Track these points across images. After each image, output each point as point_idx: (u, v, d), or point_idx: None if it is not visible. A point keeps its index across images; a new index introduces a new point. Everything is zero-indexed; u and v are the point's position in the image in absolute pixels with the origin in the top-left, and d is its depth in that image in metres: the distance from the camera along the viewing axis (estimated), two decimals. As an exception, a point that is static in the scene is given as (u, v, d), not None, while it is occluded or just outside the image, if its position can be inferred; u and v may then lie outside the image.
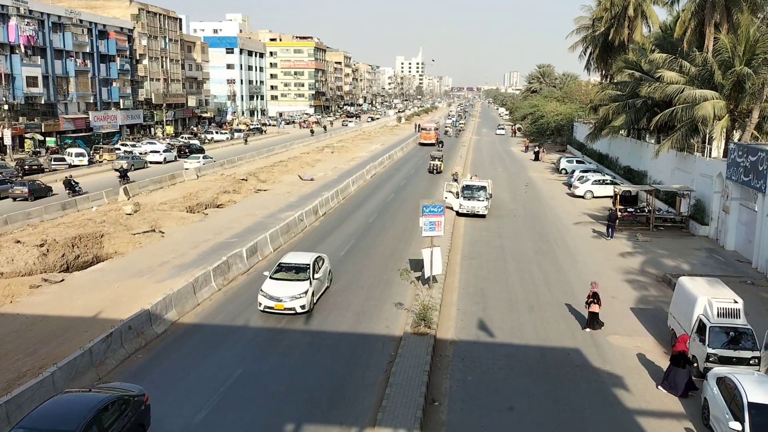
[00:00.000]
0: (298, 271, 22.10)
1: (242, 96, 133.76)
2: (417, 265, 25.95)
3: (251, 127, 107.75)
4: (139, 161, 58.84)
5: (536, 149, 72.41)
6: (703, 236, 33.09)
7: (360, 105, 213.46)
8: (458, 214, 37.86)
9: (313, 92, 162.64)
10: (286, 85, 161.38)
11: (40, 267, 27.51)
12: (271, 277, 21.98)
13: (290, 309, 20.80)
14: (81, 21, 73.72)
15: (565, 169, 57.60)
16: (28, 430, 11.92)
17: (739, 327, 17.01)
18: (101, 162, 60.82)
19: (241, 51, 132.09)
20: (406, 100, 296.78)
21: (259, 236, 29.36)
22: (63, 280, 25.33)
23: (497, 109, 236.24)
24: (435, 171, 55.53)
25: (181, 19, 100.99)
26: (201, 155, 63.46)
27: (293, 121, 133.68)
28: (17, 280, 25.01)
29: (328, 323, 20.77)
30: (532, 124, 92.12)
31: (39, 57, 66.44)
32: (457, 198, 38.43)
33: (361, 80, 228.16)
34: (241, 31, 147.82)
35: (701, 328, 17.20)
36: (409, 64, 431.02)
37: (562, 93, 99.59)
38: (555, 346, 19.25)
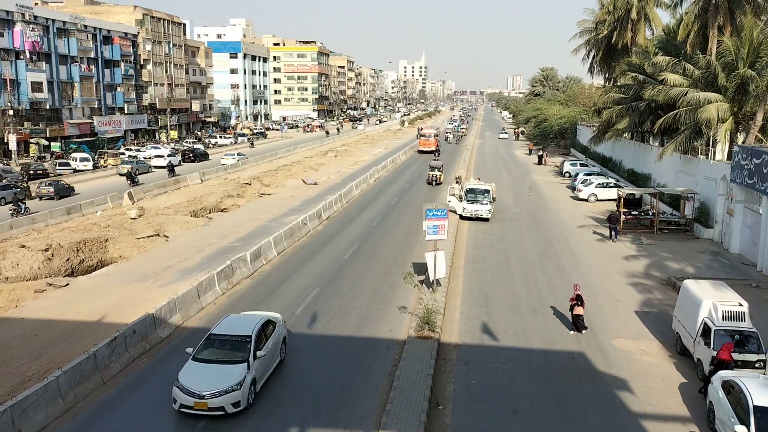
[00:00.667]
0: (235, 346, 16.04)
1: (246, 100, 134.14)
2: (421, 268, 25.93)
3: (254, 131, 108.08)
4: (143, 166, 59.01)
5: (540, 153, 72.30)
6: (707, 239, 33.00)
7: (363, 109, 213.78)
8: (462, 217, 37.84)
9: (317, 96, 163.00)
10: (289, 89, 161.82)
11: (44, 271, 27.58)
12: (193, 358, 15.92)
13: (216, 409, 14.67)
14: (85, 26, 74.03)
15: (568, 172, 57.55)
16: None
17: (744, 330, 16.94)
18: (106, 167, 60.98)
19: (244, 56, 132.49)
20: (409, 104, 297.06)
21: (263, 240, 29.40)
22: (68, 284, 25.39)
23: (500, 112, 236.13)
24: (434, 182, 51.50)
25: (185, 24, 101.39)
26: (236, 152, 70.17)
27: (297, 126, 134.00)
28: (22, 285, 25.06)
29: (331, 327, 20.76)
30: (535, 128, 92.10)
31: (44, 62, 66.80)
32: (461, 201, 38.43)
33: (364, 84, 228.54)
34: (244, 35, 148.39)
35: (706, 331, 17.13)
36: (412, 67, 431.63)
37: (565, 96, 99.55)
38: (559, 350, 19.20)
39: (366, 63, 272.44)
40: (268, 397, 16.04)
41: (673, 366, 18.14)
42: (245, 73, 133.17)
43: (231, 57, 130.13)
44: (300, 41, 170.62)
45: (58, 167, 56.28)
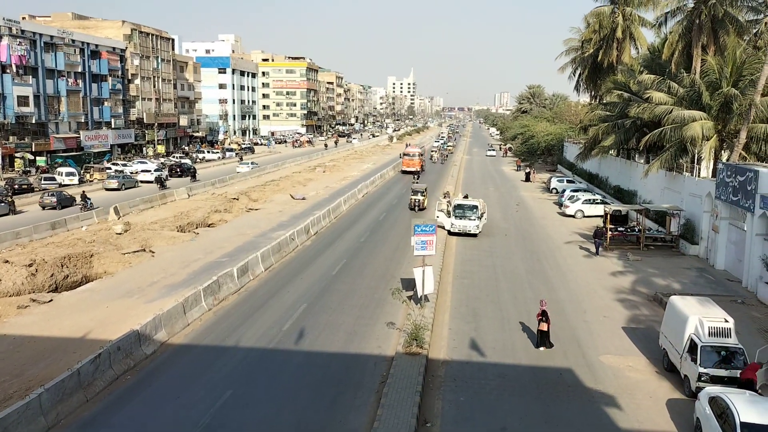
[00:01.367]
0: None
1: (234, 115, 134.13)
2: (409, 284, 25.90)
3: (243, 146, 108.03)
4: (129, 180, 58.68)
5: (527, 170, 72.69)
6: (693, 255, 33.25)
7: (352, 124, 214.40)
8: (450, 233, 37.90)
9: (305, 112, 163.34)
10: (278, 104, 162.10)
11: (28, 287, 27.23)
12: None
13: None
14: (73, 41, 73.91)
15: (555, 188, 57.96)
16: None
17: (730, 346, 17.02)
18: (92, 181, 60.60)
19: (233, 71, 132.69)
20: (397, 120, 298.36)
21: (250, 256, 29.25)
22: (51, 300, 25.07)
23: (488, 129, 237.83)
24: (417, 207, 46.22)
25: (173, 40, 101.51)
26: (249, 161, 78.18)
27: (285, 141, 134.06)
28: (5, 300, 24.75)
29: (319, 343, 20.63)
30: (522, 144, 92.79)
31: (30, 76, 66.48)
32: (449, 217, 38.51)
33: (353, 100, 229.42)
34: (233, 51, 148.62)
35: (693, 347, 17.20)
36: (401, 84, 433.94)
37: (552, 113, 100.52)
38: (547, 366, 19.18)
39: (355, 79, 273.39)
40: (250, 417, 15.88)
41: (660, 382, 18.17)
42: (234, 88, 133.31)
43: (220, 72, 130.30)
44: (289, 57, 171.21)
45: (43, 182, 55.83)
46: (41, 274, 28.52)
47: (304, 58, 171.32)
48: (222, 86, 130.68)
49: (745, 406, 13.86)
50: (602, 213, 39.08)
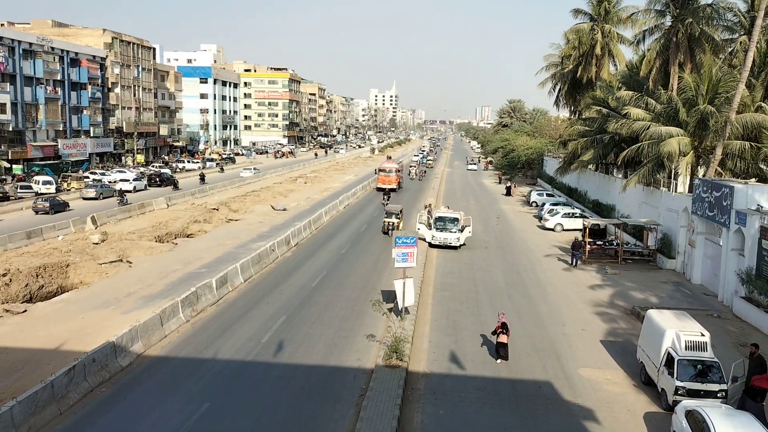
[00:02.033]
0: None
1: (215, 125, 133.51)
2: (389, 296, 25.86)
3: (223, 156, 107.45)
4: (108, 190, 58.05)
5: (508, 184, 72.65)
6: (670, 269, 33.64)
7: (334, 136, 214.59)
8: (431, 245, 37.96)
9: (287, 123, 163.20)
10: (260, 115, 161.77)
11: (1, 297, 26.71)
12: None
13: None
14: (53, 48, 73.15)
15: (535, 202, 58.41)
16: None
17: (706, 360, 17.21)
18: (69, 190, 59.81)
19: (215, 81, 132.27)
20: (380, 132, 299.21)
21: (229, 267, 29.02)
22: (26, 310, 24.62)
23: (469, 142, 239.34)
24: (390, 231, 39.71)
25: (155, 49, 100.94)
26: (252, 167, 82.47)
27: (266, 151, 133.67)
28: (-23, 311, 24.21)
29: (298, 355, 20.47)
30: (503, 158, 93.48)
31: (8, 83, 65.56)
32: (430, 229, 38.57)
33: (335, 112, 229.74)
34: (215, 61, 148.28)
35: (669, 361, 17.35)
36: (383, 96, 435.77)
37: (532, 128, 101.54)
38: (526, 379, 19.23)
39: (337, 91, 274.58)
40: (227, 430, 15.68)
41: (637, 395, 18.29)
42: (215, 98, 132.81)
43: (201, 82, 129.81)
44: (271, 68, 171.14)
45: (19, 190, 55.04)
46: (15, 284, 28.01)
47: (286, 69, 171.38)
48: (203, 96, 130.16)
49: (720, 420, 14.00)
50: (581, 227, 39.44)
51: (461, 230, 38.36)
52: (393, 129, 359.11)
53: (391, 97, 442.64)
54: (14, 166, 65.67)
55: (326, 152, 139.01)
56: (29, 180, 60.05)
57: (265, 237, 39.56)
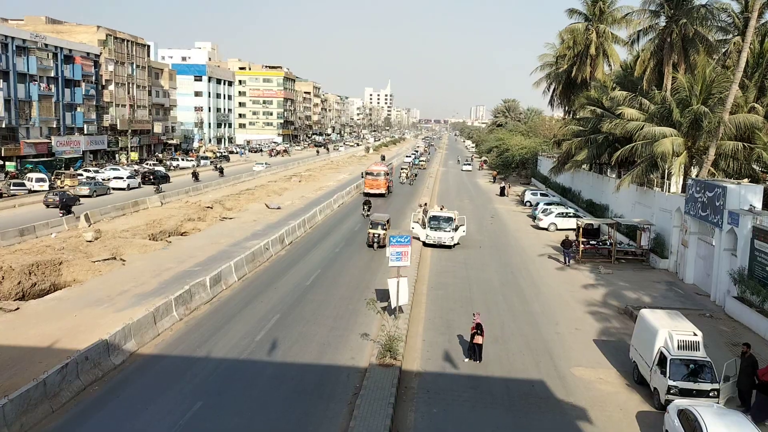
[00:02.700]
0: None
1: (210, 123, 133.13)
2: (383, 295, 25.85)
3: (218, 154, 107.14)
4: (101, 187, 57.81)
5: (502, 185, 72.18)
6: (663, 269, 33.75)
7: (329, 135, 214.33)
8: (425, 244, 37.97)
9: (282, 121, 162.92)
10: (254, 113, 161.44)
11: (-6, 295, 26.59)
12: None
13: None
14: (46, 45, 72.75)
15: (529, 201, 58.51)
16: None
17: (698, 359, 17.27)
18: (63, 188, 59.49)
19: (209, 79, 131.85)
20: (374, 131, 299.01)
21: (223, 265, 28.95)
22: (18, 308, 24.49)
23: (464, 141, 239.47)
24: (376, 244, 36.51)
25: (149, 46, 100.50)
26: (264, 162, 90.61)
27: (261, 150, 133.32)
28: (-31, 309, 24.07)
29: (291, 354, 20.45)
30: (497, 157, 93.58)
31: (1, 80, 65.19)
32: (424, 228, 38.58)
33: (330, 110, 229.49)
34: (210, 59, 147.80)
35: (662, 360, 17.41)
36: (378, 95, 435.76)
37: (526, 127, 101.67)
38: (519, 378, 19.26)
39: (332, 89, 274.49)
40: (220, 428, 15.64)
41: (630, 395, 18.35)
42: (210, 96, 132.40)
43: (196, 80, 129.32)
44: (266, 66, 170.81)
45: (12, 187, 54.72)
46: (8, 282, 27.88)
47: (281, 67, 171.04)
48: (198, 94, 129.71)
49: (713, 419, 14.05)
50: (575, 226, 39.54)
51: (455, 229, 38.41)
52: (388, 128, 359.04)
53: (386, 96, 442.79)
54: (7, 163, 65.31)
55: (319, 151, 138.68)
56: (22, 177, 59.70)
57: (260, 235, 39.49)
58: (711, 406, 15.04)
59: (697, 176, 33.54)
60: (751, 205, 26.64)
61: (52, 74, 73.84)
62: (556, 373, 19.69)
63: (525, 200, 59.94)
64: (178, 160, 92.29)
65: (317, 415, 16.36)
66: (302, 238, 40.11)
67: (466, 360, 20.27)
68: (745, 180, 31.40)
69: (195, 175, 70.46)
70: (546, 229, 45.59)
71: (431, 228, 38.28)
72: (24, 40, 68.86)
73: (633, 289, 29.63)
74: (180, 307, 23.49)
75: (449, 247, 37.92)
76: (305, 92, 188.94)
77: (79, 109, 79.49)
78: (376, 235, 36.86)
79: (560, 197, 58.28)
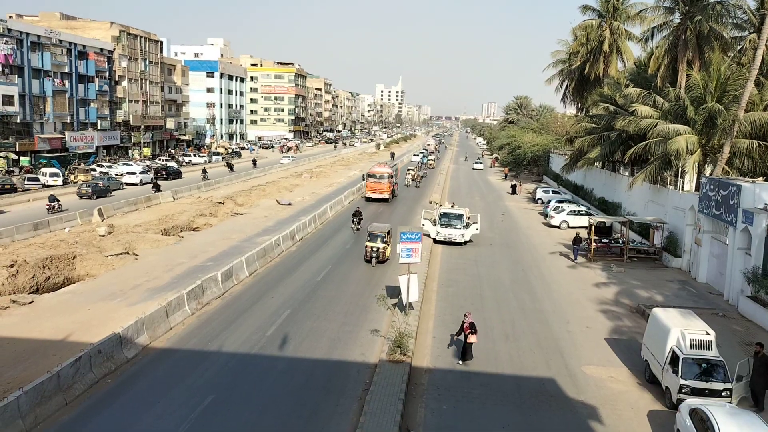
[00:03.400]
0: None
1: (221, 119, 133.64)
2: (394, 291, 25.88)
3: (230, 150, 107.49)
4: (114, 183, 58.21)
5: (513, 182, 71.64)
6: (675, 268, 33.53)
7: (339, 131, 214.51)
8: (435, 241, 37.95)
9: (293, 117, 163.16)
10: (266, 109, 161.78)
11: (9, 288, 26.87)
12: None
13: None
14: (60, 41, 73.32)
15: (541, 199, 58.24)
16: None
17: (711, 359, 17.17)
18: (76, 182, 59.91)
19: (221, 75, 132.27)
20: (385, 128, 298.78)
21: (234, 260, 29.08)
22: (32, 301, 24.76)
23: (475, 138, 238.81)
24: (375, 258, 31.80)
25: (162, 42, 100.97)
26: (290, 155, 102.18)
27: (272, 146, 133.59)
28: (-16, 301, 24.36)
29: (302, 349, 20.53)
30: (509, 154, 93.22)
31: (16, 76, 65.76)
32: (435, 225, 38.55)
33: (340, 107, 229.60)
34: (222, 55, 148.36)
35: (674, 359, 17.32)
36: (389, 92, 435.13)
37: (538, 124, 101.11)
38: (530, 376, 19.23)
39: (343, 86, 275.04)
40: (231, 422, 15.74)
41: (641, 394, 18.27)
42: (221, 92, 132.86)
43: (208, 76, 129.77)
44: (278, 62, 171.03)
45: (26, 182, 55.20)
46: (22, 275, 28.16)
47: (292, 63, 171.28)
48: (210, 90, 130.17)
49: (725, 419, 13.98)
50: (587, 224, 39.36)
51: (466, 226, 38.33)
52: (399, 125, 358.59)
53: (397, 92, 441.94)
54: (22, 157, 65.90)
55: (336, 146, 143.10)
56: (36, 172, 60.26)
57: (270, 231, 39.62)
58: (723, 406, 14.96)
59: (711, 174, 33.27)
60: (765, 204, 26.38)
61: (66, 70, 74.41)
62: (567, 371, 19.64)
63: (536, 198, 59.70)
64: (190, 156, 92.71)
65: (327, 411, 16.43)
66: (313, 235, 40.20)
67: (459, 363, 19.87)
68: (760, 178, 31.09)
69: (204, 172, 70.16)
70: (558, 227, 45.41)
71: (442, 225, 38.27)
72: (39, 36, 69.40)
73: (645, 288, 29.46)
74: (192, 302, 23.64)
75: (460, 244, 37.87)
76: (316, 89, 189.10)
77: (92, 104, 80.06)
78: (374, 249, 31.71)
79: (572, 195, 58.00)
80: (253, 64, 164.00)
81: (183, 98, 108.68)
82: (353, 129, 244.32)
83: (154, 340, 20.57)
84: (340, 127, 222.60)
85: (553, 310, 25.81)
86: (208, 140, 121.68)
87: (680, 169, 35.90)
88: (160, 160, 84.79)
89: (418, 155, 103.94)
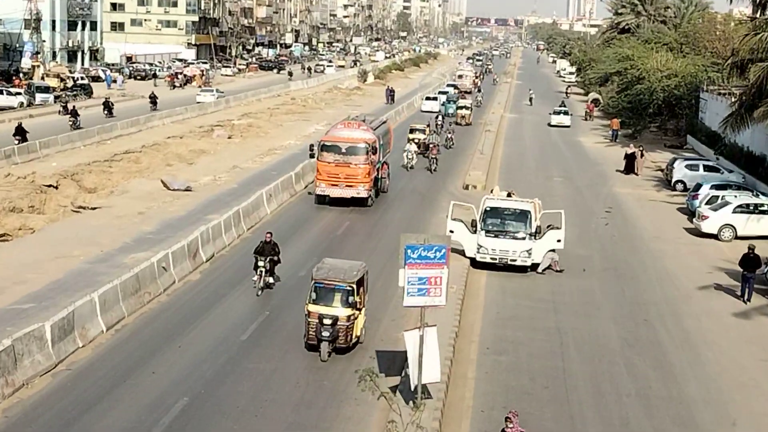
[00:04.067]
0: None
1: (54, 22, 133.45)
2: (392, 362, 25.88)
3: (70, 81, 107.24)
4: None
5: (630, 150, 70.12)
6: None
7: (287, 45, 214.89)
8: (474, 262, 37.96)
9: (195, 19, 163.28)
10: (141, 3, 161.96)
11: None
12: None
13: None
14: None
15: (682, 181, 58.37)
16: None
17: None
18: None
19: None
20: (377, 39, 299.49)
21: (79, 300, 28.94)
22: None
23: (553, 61, 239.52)
24: (329, 342, 27.04)
25: None
26: (215, 88, 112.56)
27: (154, 74, 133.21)
28: None
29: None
30: (620, 94, 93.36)
31: None
32: (474, 232, 38.45)
33: (289, 1, 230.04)
34: None
35: None
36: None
37: (678, 36, 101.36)
38: None
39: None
40: None
41: None
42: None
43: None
44: None
45: None
46: None
47: None
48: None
49: None
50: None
51: (535, 235, 38.18)
52: (405, 34, 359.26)
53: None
54: None
55: (290, 75, 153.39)
56: None
57: (150, 242, 39.69)
58: None
59: None
60: None
61: None
62: None
63: (674, 179, 59.81)
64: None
65: None
66: (234, 249, 40.14)
67: None
68: None
69: (20, 132, 67.16)
70: (716, 237, 45.49)
71: (488, 232, 38.18)
72: None
73: None
74: (-8, 382, 23.53)
75: (524, 269, 37.85)
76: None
77: None
78: (324, 321, 27.16)
79: (745, 173, 58.14)
80: None
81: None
82: (314, 41, 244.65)
83: None
84: (288, 39, 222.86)
85: (705, 400, 25.86)
86: (27, 62, 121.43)
87: None
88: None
89: (435, 98, 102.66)
